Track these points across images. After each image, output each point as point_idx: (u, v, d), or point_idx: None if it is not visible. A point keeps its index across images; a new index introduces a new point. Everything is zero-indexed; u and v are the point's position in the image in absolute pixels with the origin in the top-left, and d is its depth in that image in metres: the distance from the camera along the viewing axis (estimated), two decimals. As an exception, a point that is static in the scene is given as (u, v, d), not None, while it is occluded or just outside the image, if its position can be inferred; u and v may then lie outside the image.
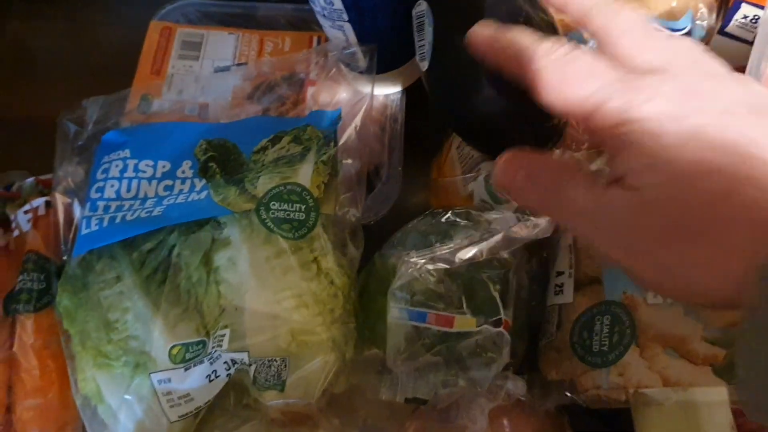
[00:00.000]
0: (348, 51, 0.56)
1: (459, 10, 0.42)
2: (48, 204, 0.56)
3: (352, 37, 0.54)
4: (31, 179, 0.60)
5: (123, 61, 0.71)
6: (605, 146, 0.33)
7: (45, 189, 0.59)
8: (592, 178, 0.33)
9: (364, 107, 0.53)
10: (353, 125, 0.53)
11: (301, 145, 0.52)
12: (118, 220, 0.50)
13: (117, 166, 0.53)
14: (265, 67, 0.59)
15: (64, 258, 0.54)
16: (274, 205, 0.48)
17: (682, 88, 0.31)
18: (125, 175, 0.52)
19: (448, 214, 0.50)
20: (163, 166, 0.53)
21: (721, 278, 0.29)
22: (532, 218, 0.48)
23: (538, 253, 0.50)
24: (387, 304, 0.47)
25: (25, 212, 0.56)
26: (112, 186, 0.52)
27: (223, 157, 0.53)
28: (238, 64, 0.64)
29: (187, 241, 0.49)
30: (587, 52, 0.33)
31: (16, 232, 0.56)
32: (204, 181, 0.52)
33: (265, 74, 0.63)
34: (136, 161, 0.53)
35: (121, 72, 0.70)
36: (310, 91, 0.64)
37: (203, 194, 0.51)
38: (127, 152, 0.53)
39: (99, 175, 0.53)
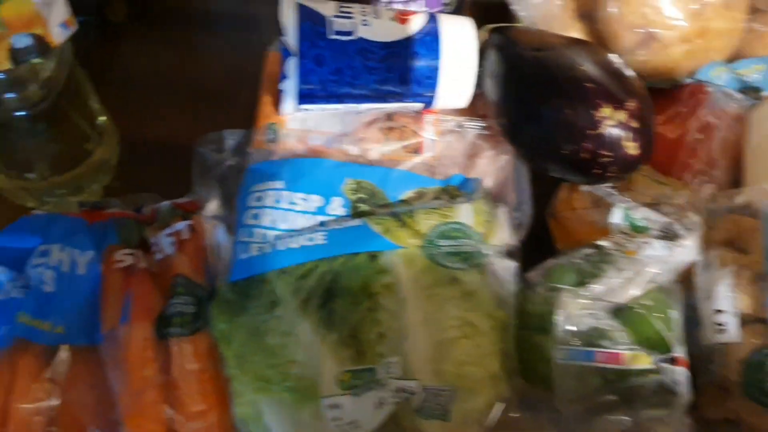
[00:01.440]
0: None
1: None
2: (191, 228, 0.58)
3: None
4: (167, 203, 0.61)
5: (236, 86, 0.74)
6: None
7: (184, 213, 0.60)
8: None
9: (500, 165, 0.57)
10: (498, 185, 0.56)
11: (444, 198, 0.54)
12: (279, 247, 0.51)
13: (271, 196, 0.54)
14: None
15: (213, 282, 0.55)
16: (441, 241, 0.50)
17: None
18: (280, 205, 0.54)
19: (596, 248, 0.52)
20: (315, 200, 0.54)
21: None
22: (681, 240, 0.49)
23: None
24: (547, 342, 0.48)
25: (168, 235, 0.58)
26: (268, 215, 0.53)
27: (371, 200, 0.54)
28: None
29: (345, 266, 0.51)
30: None
31: (159, 255, 0.57)
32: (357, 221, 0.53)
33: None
34: (290, 193, 0.54)
35: (233, 97, 0.73)
36: (427, 119, 0.66)
37: (357, 221, 0.52)
38: (281, 183, 0.55)
39: (252, 202, 0.54)
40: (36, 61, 0.52)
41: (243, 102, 0.71)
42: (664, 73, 0.62)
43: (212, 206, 0.58)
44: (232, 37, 0.79)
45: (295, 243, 0.51)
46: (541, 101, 0.54)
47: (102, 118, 0.66)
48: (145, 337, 0.52)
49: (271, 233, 0.53)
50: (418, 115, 0.64)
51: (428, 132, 0.62)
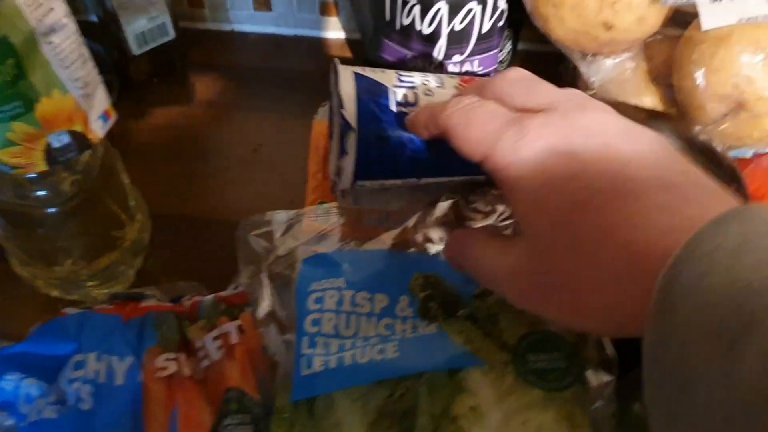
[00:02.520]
0: None
1: None
2: (240, 329, 0.52)
3: None
4: (210, 297, 0.55)
5: (271, 152, 0.68)
6: (503, 191, 0.36)
7: (229, 308, 0.54)
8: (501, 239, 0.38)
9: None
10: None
11: None
12: (346, 361, 0.46)
13: (332, 296, 0.49)
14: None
15: (267, 394, 0.50)
16: (531, 356, 0.44)
17: (565, 123, 0.33)
18: (342, 308, 0.48)
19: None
20: (381, 300, 0.49)
21: (616, 321, 0.32)
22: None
23: None
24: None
25: (215, 338, 0.52)
26: (330, 320, 0.48)
27: (441, 298, 0.49)
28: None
29: (420, 381, 0.46)
30: (491, 102, 0.36)
31: (205, 362, 0.52)
32: (426, 323, 0.48)
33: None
34: (352, 293, 0.49)
35: (267, 165, 0.67)
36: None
37: (432, 327, 0.47)
38: (341, 282, 0.49)
39: (311, 305, 0.49)
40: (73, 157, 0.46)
41: (287, 173, 0.66)
42: (749, 143, 0.57)
43: (264, 304, 0.52)
44: (273, 95, 0.73)
45: (364, 357, 0.46)
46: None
47: (134, 197, 0.60)
48: (196, 463, 0.47)
49: (335, 342, 0.47)
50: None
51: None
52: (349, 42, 0.78)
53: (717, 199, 0.31)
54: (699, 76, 0.54)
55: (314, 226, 0.57)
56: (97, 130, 0.46)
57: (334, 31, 0.79)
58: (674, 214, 0.30)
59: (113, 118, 0.48)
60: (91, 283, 0.59)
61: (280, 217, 0.55)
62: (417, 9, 0.61)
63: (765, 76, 0.53)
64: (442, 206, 0.55)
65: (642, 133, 0.34)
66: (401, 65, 0.67)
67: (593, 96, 0.36)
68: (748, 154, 0.58)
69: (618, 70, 0.59)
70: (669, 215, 0.30)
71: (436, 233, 0.54)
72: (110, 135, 0.61)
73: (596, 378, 0.45)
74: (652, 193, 0.31)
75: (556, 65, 0.71)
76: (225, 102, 0.73)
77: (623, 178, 0.31)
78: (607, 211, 0.31)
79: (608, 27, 0.55)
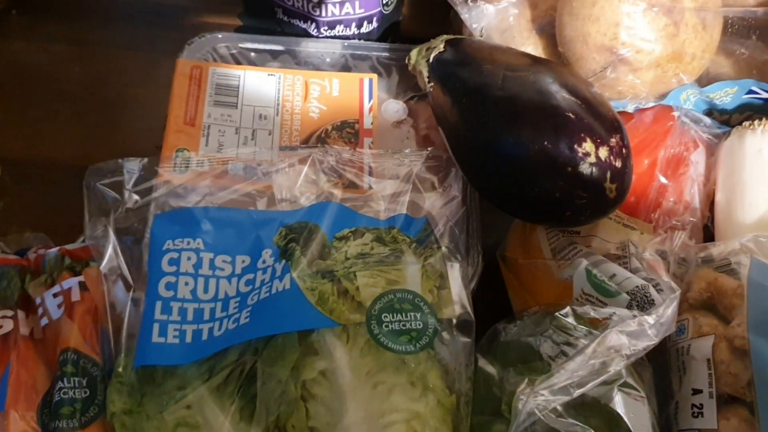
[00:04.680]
0: None
1: None
2: (82, 286, 0.48)
3: None
4: (54, 250, 0.51)
5: (138, 94, 0.63)
6: None
7: (73, 263, 0.50)
8: None
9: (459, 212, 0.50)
10: (447, 225, 0.48)
11: (386, 246, 0.46)
12: (204, 336, 0.43)
13: (189, 259, 0.45)
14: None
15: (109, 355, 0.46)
16: (386, 316, 0.42)
17: None
18: (201, 272, 0.45)
19: (554, 316, 0.45)
20: (243, 261, 0.46)
21: None
22: (655, 310, 0.43)
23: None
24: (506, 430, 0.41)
25: (55, 295, 0.48)
26: (187, 284, 0.45)
27: (304, 237, 0.46)
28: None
29: (268, 345, 0.43)
30: None
31: (44, 320, 0.47)
32: (284, 263, 0.45)
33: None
34: (211, 255, 0.46)
35: (136, 107, 0.63)
36: (366, 142, 0.58)
37: (286, 281, 0.44)
38: (199, 243, 0.46)
39: (166, 267, 0.45)
40: None
41: (154, 118, 0.61)
42: (631, 96, 0.55)
43: (110, 258, 0.48)
44: (142, 32, 0.67)
45: (221, 330, 0.43)
46: (511, 130, 0.47)
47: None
48: (25, 430, 0.43)
49: (191, 307, 0.44)
50: (355, 146, 0.56)
51: (367, 162, 0.54)
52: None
53: None
54: (579, 26, 0.51)
55: (171, 177, 0.53)
56: None
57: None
58: None
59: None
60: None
61: (132, 165, 0.51)
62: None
63: (645, 28, 0.51)
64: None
65: None
66: (281, 3, 0.62)
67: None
68: (630, 108, 0.56)
69: (500, 17, 0.56)
70: None
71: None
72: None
73: (452, 339, 0.43)
74: None
75: (446, 12, 0.67)
76: (90, 39, 0.67)
77: None
78: None
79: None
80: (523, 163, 0.46)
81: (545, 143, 0.45)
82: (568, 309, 0.44)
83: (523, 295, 0.52)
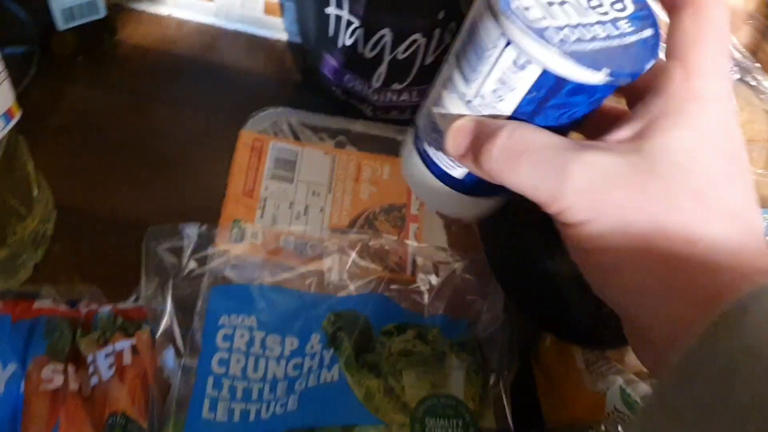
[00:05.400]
0: None
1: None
2: (134, 349, 0.50)
3: None
4: (108, 308, 0.53)
5: (195, 154, 0.66)
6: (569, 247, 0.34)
7: (126, 323, 0.52)
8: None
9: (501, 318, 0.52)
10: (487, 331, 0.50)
11: (428, 346, 0.48)
12: (251, 417, 0.44)
13: (242, 336, 0.47)
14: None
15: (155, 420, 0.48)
16: (429, 420, 0.44)
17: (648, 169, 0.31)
18: (252, 350, 0.47)
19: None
20: (291, 343, 0.48)
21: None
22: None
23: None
24: None
25: (107, 356, 0.50)
26: (238, 362, 0.47)
27: (351, 328, 0.48)
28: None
29: (313, 433, 0.45)
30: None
31: (94, 379, 0.49)
32: (332, 352, 0.47)
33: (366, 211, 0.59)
34: (263, 335, 0.48)
35: (192, 168, 0.65)
36: (412, 228, 0.60)
37: (334, 372, 0.46)
38: (253, 321, 0.48)
39: (221, 342, 0.47)
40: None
41: (207, 181, 0.63)
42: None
43: (164, 324, 0.50)
44: (203, 91, 0.70)
45: (268, 413, 0.44)
46: (552, 250, 0.48)
47: (37, 189, 0.56)
48: (71, 490, 0.44)
49: (240, 386, 0.46)
50: (401, 231, 0.58)
51: (412, 253, 0.56)
52: (291, 45, 0.76)
53: None
54: None
55: (227, 246, 0.55)
56: (-3, 129, 0.43)
57: (277, 32, 0.76)
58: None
59: (16, 117, 0.44)
60: (-14, 275, 0.55)
61: (191, 231, 0.53)
62: (360, 32, 0.59)
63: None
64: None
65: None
66: (339, 84, 0.65)
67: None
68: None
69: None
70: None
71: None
72: (24, 110, 0.57)
73: (492, 450, 0.45)
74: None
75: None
76: (151, 92, 0.69)
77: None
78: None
79: None
80: (561, 286, 0.48)
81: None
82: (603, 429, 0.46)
83: (555, 402, 0.54)
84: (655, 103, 0.31)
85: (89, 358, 0.50)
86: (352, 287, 0.52)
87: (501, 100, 0.33)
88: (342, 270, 0.53)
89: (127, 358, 0.49)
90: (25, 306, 0.53)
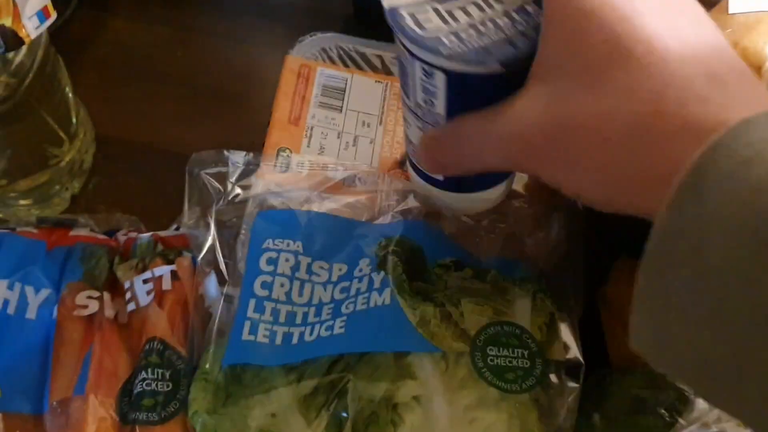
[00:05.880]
0: None
1: None
2: (174, 275, 0.47)
3: None
4: (147, 235, 0.50)
5: (240, 86, 0.62)
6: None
7: (166, 250, 0.49)
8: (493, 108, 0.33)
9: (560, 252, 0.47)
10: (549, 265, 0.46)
11: (488, 284, 0.44)
12: (294, 340, 0.41)
13: (287, 260, 0.44)
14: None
15: (194, 350, 0.45)
16: (491, 350, 0.40)
17: None
18: (297, 275, 0.44)
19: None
20: (340, 269, 0.44)
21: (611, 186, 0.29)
22: None
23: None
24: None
25: (145, 281, 0.47)
26: (282, 286, 0.43)
27: (405, 253, 0.44)
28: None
29: (361, 360, 0.41)
30: None
31: (131, 305, 0.46)
32: (382, 275, 0.43)
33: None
34: (309, 260, 0.44)
35: (237, 100, 0.62)
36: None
37: (386, 295, 0.42)
38: (299, 246, 0.45)
39: (264, 266, 0.44)
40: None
41: (252, 112, 0.60)
42: None
43: (208, 250, 0.47)
44: (248, 25, 0.66)
45: (312, 335, 0.41)
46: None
47: (76, 115, 0.54)
48: (103, 417, 0.42)
49: (284, 309, 0.43)
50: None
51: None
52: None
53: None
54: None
55: (272, 175, 0.51)
56: (30, 29, 0.40)
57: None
58: (715, 105, 0.26)
59: (52, 17, 0.41)
60: (23, 202, 0.53)
61: (237, 157, 0.50)
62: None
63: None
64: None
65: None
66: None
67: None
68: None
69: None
70: (709, 105, 0.26)
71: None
72: (63, 41, 0.55)
73: (560, 384, 0.40)
74: (697, 85, 0.26)
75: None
76: (194, 26, 0.66)
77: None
78: (644, 75, 0.27)
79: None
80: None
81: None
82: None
83: (623, 342, 0.49)
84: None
85: (126, 285, 0.47)
86: (402, 219, 0.48)
87: (433, 105, 0.36)
88: (393, 204, 0.49)
89: (167, 284, 0.46)
90: (62, 233, 0.51)
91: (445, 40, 0.33)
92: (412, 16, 0.34)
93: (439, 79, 0.34)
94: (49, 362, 0.44)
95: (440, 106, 0.36)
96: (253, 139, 0.56)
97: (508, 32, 0.33)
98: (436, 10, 0.34)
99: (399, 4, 0.34)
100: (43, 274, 0.47)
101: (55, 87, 0.50)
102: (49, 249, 0.49)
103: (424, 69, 0.34)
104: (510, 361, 0.39)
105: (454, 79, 0.34)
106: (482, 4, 0.34)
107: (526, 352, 0.40)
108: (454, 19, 0.33)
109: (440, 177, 0.43)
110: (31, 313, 0.45)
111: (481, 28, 0.33)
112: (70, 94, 0.53)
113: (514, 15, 0.33)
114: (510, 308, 0.41)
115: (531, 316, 0.41)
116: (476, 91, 0.34)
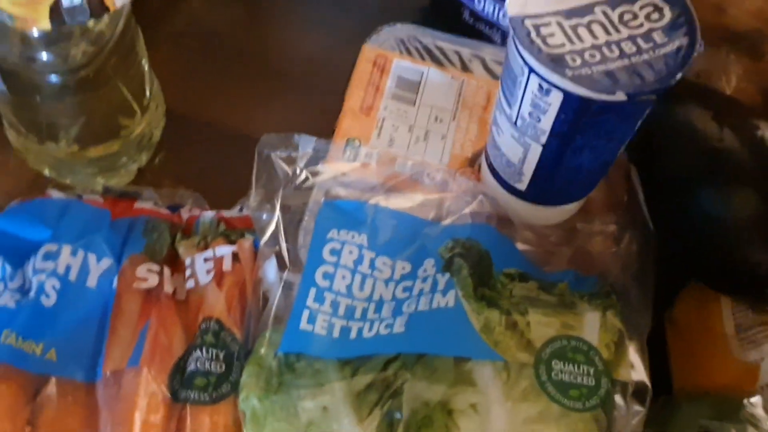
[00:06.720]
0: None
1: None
2: (235, 257, 0.46)
3: (532, 161, 0.42)
4: (211, 213, 0.50)
5: (312, 72, 0.62)
6: None
7: (228, 231, 0.48)
8: None
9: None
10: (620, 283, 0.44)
11: (555, 297, 0.42)
12: (352, 334, 0.40)
13: (351, 252, 0.43)
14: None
15: (250, 333, 0.44)
16: (556, 364, 0.38)
17: None
18: (360, 268, 0.43)
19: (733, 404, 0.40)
20: (403, 267, 0.43)
21: None
22: None
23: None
24: None
25: (206, 260, 0.46)
26: (344, 278, 0.42)
27: (472, 257, 0.43)
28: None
29: (419, 362, 0.40)
30: None
31: (190, 282, 0.46)
32: (448, 276, 0.42)
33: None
34: (373, 255, 0.43)
35: (308, 85, 0.61)
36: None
37: (450, 298, 0.41)
38: (363, 239, 0.44)
39: (327, 256, 0.43)
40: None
41: (324, 99, 0.59)
42: None
43: (269, 234, 0.46)
44: (324, 11, 0.65)
45: (371, 332, 0.40)
46: (725, 188, 0.42)
47: (150, 88, 0.53)
48: (155, 392, 0.42)
49: (344, 303, 0.42)
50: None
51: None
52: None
53: None
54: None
55: (340, 163, 0.51)
56: (119, -3, 0.40)
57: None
58: None
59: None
60: (89, 170, 0.53)
61: (306, 142, 0.49)
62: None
63: None
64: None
65: None
66: (470, 5, 0.59)
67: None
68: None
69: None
70: None
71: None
72: (141, 14, 0.55)
73: (625, 406, 0.39)
74: None
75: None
76: (270, 10, 0.66)
77: None
78: None
79: None
80: (732, 226, 0.41)
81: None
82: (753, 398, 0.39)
83: (690, 367, 0.47)
84: None
85: (187, 261, 0.47)
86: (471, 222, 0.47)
87: (539, 121, 0.36)
88: (462, 205, 0.48)
89: (227, 265, 0.46)
90: (126, 205, 0.51)
91: (568, 59, 0.32)
92: (536, 29, 0.33)
93: (555, 98, 0.33)
94: (106, 332, 0.44)
95: (547, 123, 0.36)
96: (322, 126, 0.55)
97: (633, 60, 0.32)
98: (560, 25, 0.33)
99: (524, 14, 0.34)
100: (106, 243, 0.47)
101: (133, 58, 0.50)
102: (113, 219, 0.49)
103: (540, 85, 0.34)
104: (575, 378, 0.38)
105: (573, 101, 0.33)
106: (607, 25, 0.33)
107: (592, 370, 0.38)
108: (579, 38, 0.33)
109: (522, 186, 0.43)
110: (91, 282, 0.45)
111: (606, 51, 0.32)
112: (146, 67, 0.53)
113: (641, 42, 0.33)
114: (578, 323, 0.39)
115: (599, 333, 0.39)
116: (590, 115, 0.34)
